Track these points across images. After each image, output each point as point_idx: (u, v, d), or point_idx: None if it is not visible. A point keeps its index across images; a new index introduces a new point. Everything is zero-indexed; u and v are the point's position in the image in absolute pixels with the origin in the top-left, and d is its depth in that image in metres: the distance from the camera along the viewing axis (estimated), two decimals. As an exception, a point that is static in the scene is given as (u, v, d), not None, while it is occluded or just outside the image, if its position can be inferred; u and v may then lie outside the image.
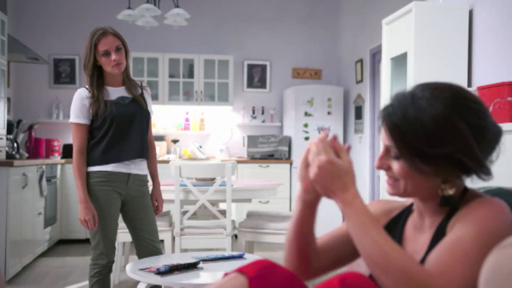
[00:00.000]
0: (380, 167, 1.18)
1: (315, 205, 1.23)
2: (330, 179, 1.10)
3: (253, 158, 6.15)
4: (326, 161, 1.10)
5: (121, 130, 2.58)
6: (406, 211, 1.29)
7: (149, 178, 2.83)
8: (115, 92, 2.62)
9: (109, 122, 2.55)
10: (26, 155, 5.34)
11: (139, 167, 2.69)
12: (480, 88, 2.83)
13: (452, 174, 1.12)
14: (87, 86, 2.60)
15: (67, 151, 5.84)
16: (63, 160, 5.56)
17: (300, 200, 1.22)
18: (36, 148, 5.70)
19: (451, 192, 1.12)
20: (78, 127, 2.56)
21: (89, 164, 2.59)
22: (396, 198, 1.25)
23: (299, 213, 1.23)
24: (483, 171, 1.12)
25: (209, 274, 2.26)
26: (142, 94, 2.72)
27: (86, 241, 5.48)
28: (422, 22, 3.47)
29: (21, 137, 5.53)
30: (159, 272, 2.16)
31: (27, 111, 6.11)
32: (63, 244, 5.54)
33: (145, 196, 2.73)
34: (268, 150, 6.19)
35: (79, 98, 2.57)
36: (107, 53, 2.52)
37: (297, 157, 5.98)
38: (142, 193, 2.71)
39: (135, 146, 2.63)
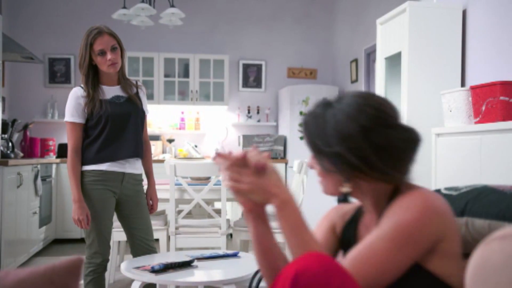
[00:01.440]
0: (311, 166, 1.24)
1: (264, 216, 1.21)
2: (264, 187, 1.11)
3: (248, 158, 6.15)
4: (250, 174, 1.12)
5: (116, 129, 2.59)
6: (358, 213, 1.33)
7: (144, 177, 2.84)
8: (110, 91, 2.63)
9: (104, 121, 2.56)
10: (21, 154, 5.33)
11: (134, 166, 2.70)
12: (473, 88, 2.85)
13: (351, 174, 1.15)
14: (82, 85, 2.60)
15: (62, 151, 5.83)
16: (58, 160, 5.56)
17: (250, 219, 1.20)
18: (31, 147, 5.69)
19: (344, 189, 1.18)
20: (73, 126, 2.57)
21: (84, 163, 2.59)
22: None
23: (258, 233, 1.20)
24: (381, 175, 1.13)
25: (203, 273, 2.27)
26: (137, 93, 2.72)
27: (81, 240, 5.47)
28: (416, 22, 3.49)
29: (15, 136, 5.52)
30: (154, 271, 2.16)
31: (22, 111, 6.10)
32: (58, 244, 5.54)
33: (140, 195, 2.74)
34: (264, 150, 6.20)
35: (74, 97, 2.57)
36: (102, 53, 2.52)
37: (293, 157, 6.00)
38: (137, 192, 2.72)
39: (130, 145, 2.63)
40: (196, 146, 6.20)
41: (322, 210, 5.31)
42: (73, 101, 2.57)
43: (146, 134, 2.81)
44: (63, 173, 5.57)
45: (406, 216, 1.07)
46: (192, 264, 2.32)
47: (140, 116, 2.69)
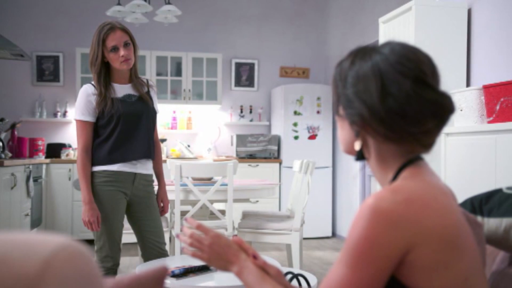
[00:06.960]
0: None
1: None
2: (219, 254, 1.21)
3: (241, 158, 6.10)
4: (215, 236, 1.22)
5: (127, 129, 2.50)
6: None
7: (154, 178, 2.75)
8: (121, 90, 2.54)
9: (116, 120, 2.46)
10: (10, 154, 5.17)
11: (145, 167, 2.61)
12: (486, 87, 2.84)
13: (358, 124, 1.04)
14: (93, 82, 2.50)
15: (51, 151, 5.68)
16: (48, 160, 5.40)
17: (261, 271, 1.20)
18: (19, 147, 5.52)
19: (357, 147, 1.08)
20: (83, 125, 2.47)
21: (94, 163, 2.49)
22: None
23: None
24: (382, 127, 1.00)
25: (224, 277, 2.19)
26: (148, 92, 2.64)
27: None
28: (421, 20, 3.48)
29: (3, 136, 5.35)
30: (174, 275, 2.09)
31: (8, 110, 5.91)
32: (48, 246, 5.38)
33: (151, 196, 2.65)
34: (257, 150, 6.14)
35: (85, 94, 2.47)
36: (115, 49, 2.43)
37: (287, 156, 5.96)
38: (148, 193, 2.63)
39: (142, 145, 2.54)
40: (189, 146, 6.12)
41: (324, 211, 5.25)
42: (84, 98, 2.47)
43: (156, 134, 2.72)
44: (53, 173, 5.42)
45: (353, 234, 0.95)
46: (211, 268, 2.25)
47: (151, 116, 2.61)
